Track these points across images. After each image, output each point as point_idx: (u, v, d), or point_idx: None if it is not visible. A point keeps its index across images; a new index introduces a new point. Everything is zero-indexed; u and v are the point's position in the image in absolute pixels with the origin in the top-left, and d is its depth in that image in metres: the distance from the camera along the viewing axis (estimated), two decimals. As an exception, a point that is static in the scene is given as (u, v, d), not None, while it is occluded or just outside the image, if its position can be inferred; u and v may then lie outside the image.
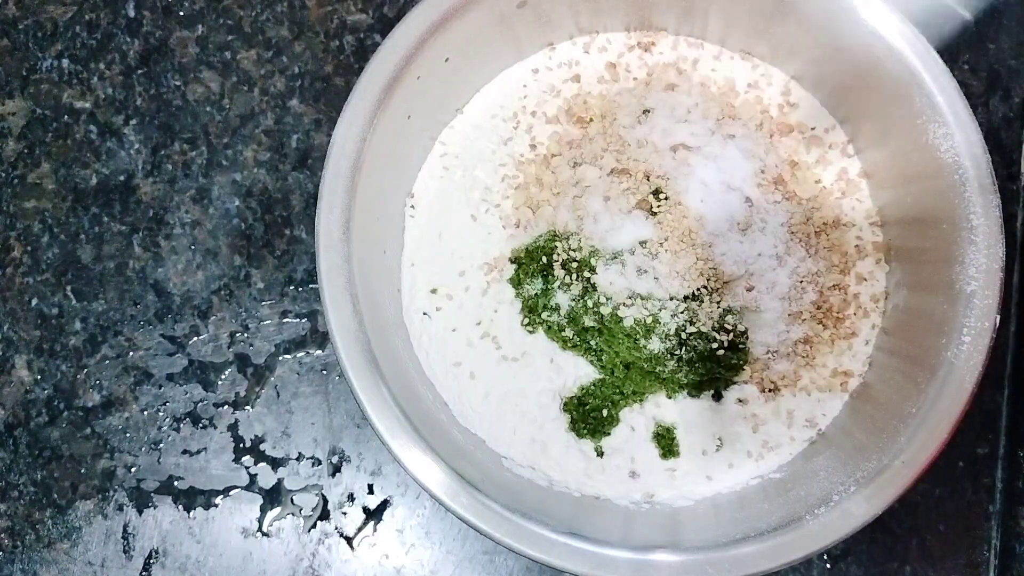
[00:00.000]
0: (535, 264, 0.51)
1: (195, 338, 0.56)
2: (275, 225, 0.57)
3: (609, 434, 0.50)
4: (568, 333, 0.50)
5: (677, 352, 0.49)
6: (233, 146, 0.57)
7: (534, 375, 0.50)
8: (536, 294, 0.51)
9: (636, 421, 0.50)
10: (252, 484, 0.55)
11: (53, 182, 0.58)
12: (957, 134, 0.45)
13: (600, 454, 0.50)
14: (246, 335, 0.56)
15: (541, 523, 0.43)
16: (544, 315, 0.51)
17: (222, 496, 0.55)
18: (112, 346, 0.56)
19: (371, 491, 0.55)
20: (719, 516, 0.47)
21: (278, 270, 0.56)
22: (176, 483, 0.55)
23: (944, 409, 0.44)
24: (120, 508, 0.55)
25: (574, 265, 0.51)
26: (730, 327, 0.50)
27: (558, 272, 0.50)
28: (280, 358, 0.56)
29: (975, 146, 0.45)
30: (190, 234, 0.57)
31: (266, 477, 0.55)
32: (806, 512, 0.44)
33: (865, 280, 0.51)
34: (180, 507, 0.55)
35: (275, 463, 0.55)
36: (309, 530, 0.54)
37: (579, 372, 0.50)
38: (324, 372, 0.56)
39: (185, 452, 0.55)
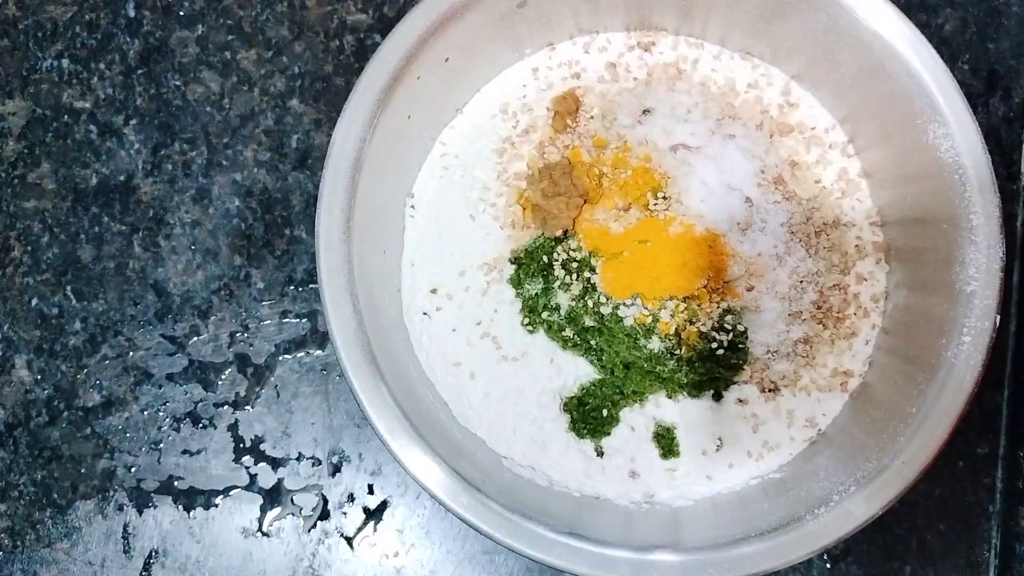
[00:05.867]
0: (535, 264, 0.51)
1: (195, 338, 0.56)
2: (275, 225, 0.57)
3: (609, 434, 0.50)
4: (568, 333, 0.50)
5: (677, 352, 0.50)
6: (233, 146, 0.57)
7: (534, 375, 0.50)
8: (536, 294, 0.51)
9: (636, 421, 0.50)
10: (252, 484, 0.55)
11: (53, 182, 0.58)
12: (957, 134, 0.45)
13: (600, 454, 0.50)
14: (246, 335, 0.56)
15: (541, 523, 0.43)
16: (544, 315, 0.51)
17: (222, 496, 0.55)
18: (112, 346, 0.56)
19: (371, 491, 0.55)
20: (719, 516, 0.47)
21: (278, 270, 0.56)
22: (176, 483, 0.55)
23: (944, 409, 0.44)
24: (120, 508, 0.55)
25: (574, 265, 0.51)
26: (730, 327, 0.50)
27: (558, 272, 0.51)
28: (280, 358, 0.56)
29: (975, 146, 0.45)
30: (190, 234, 0.57)
31: (266, 477, 0.55)
32: (806, 512, 0.44)
33: (865, 280, 0.51)
34: (180, 507, 0.55)
35: (275, 463, 0.55)
36: (309, 530, 0.54)
37: (579, 372, 0.50)
38: (324, 372, 0.56)
39: (185, 452, 0.55)
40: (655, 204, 0.50)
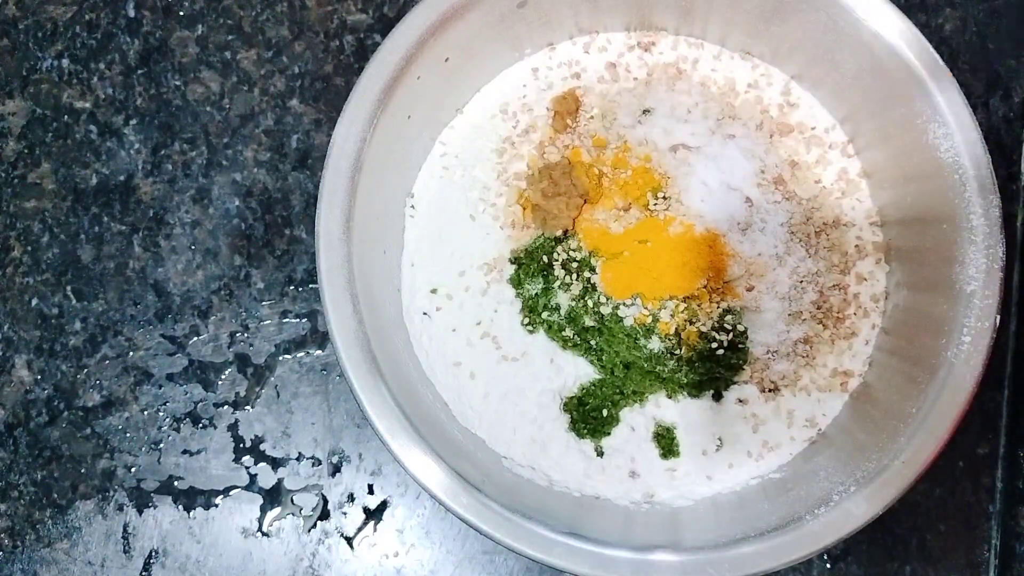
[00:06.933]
0: (535, 264, 0.51)
1: (195, 338, 0.56)
2: (275, 225, 0.57)
3: (609, 434, 0.50)
4: (568, 333, 0.50)
5: (677, 352, 0.50)
6: (233, 146, 0.57)
7: (534, 375, 0.50)
8: (536, 294, 0.51)
9: (636, 421, 0.50)
10: (252, 484, 0.55)
11: (53, 182, 0.58)
12: (957, 134, 0.45)
13: (600, 454, 0.50)
14: (246, 335, 0.56)
15: (541, 523, 0.43)
16: (544, 315, 0.51)
17: (222, 496, 0.55)
18: (112, 346, 0.56)
19: (371, 491, 0.55)
20: (719, 516, 0.47)
21: (278, 270, 0.56)
22: (176, 483, 0.55)
23: (944, 409, 0.44)
24: (120, 508, 0.55)
25: (574, 265, 0.51)
26: (730, 327, 0.50)
27: (558, 272, 0.51)
28: (280, 358, 0.56)
29: (975, 146, 0.45)
30: (190, 234, 0.57)
31: (266, 477, 0.55)
32: (806, 512, 0.44)
33: (865, 280, 0.51)
34: (180, 507, 0.55)
35: (275, 463, 0.55)
36: (309, 530, 0.54)
37: (579, 372, 0.50)
38: (324, 372, 0.56)
39: (185, 452, 0.55)
40: (655, 204, 0.50)
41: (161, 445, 0.55)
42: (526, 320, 0.51)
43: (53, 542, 0.55)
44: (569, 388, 0.50)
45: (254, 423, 0.55)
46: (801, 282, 0.50)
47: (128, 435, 0.55)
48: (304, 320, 0.56)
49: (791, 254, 0.50)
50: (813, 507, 0.44)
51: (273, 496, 0.55)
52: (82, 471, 0.55)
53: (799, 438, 0.50)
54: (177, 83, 0.58)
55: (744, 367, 0.50)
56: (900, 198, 0.50)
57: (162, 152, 0.58)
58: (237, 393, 0.56)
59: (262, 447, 0.55)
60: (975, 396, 0.43)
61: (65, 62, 0.59)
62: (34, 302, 0.57)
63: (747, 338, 0.50)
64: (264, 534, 0.55)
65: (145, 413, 0.56)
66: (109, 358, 0.56)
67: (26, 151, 0.58)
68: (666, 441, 0.50)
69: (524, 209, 0.52)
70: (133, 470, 0.55)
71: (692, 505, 0.49)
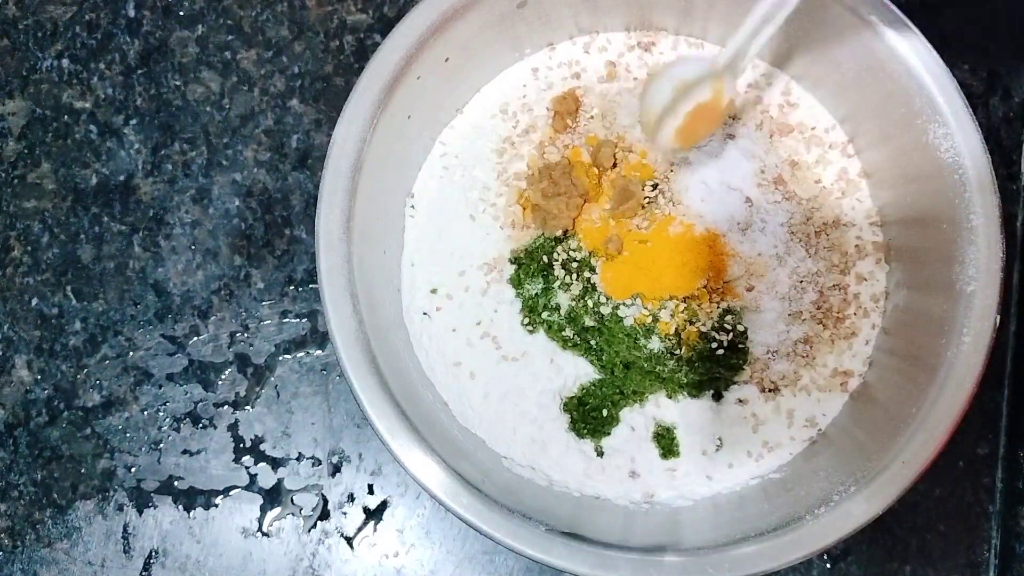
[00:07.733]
0: (535, 264, 0.51)
1: (195, 338, 0.56)
2: (275, 225, 0.57)
3: (609, 434, 0.50)
4: (568, 333, 0.50)
5: (677, 352, 0.50)
6: (233, 146, 0.57)
7: (534, 375, 0.50)
8: (536, 294, 0.51)
9: (636, 421, 0.50)
10: (252, 484, 0.55)
11: (53, 182, 0.58)
12: (957, 134, 0.45)
13: (600, 454, 0.50)
14: (246, 335, 0.56)
15: (541, 523, 0.43)
16: (544, 315, 0.51)
17: (222, 496, 0.55)
18: (112, 346, 0.56)
19: (371, 491, 0.55)
20: (719, 516, 0.47)
21: (278, 270, 0.56)
22: (176, 483, 0.55)
23: (944, 409, 0.44)
24: (120, 508, 0.55)
25: (574, 265, 0.51)
26: (730, 327, 0.50)
27: (558, 272, 0.51)
28: (280, 358, 0.56)
29: (975, 146, 0.45)
30: (190, 234, 0.57)
31: (266, 477, 0.55)
32: (806, 512, 0.44)
33: (865, 280, 0.51)
34: (180, 507, 0.55)
35: (275, 463, 0.55)
36: (309, 530, 0.54)
37: (579, 372, 0.50)
38: (324, 372, 0.56)
39: (185, 452, 0.55)
40: (653, 202, 0.51)
41: (161, 445, 0.55)
42: (526, 320, 0.51)
43: (53, 542, 0.55)
44: (569, 388, 0.50)
45: (254, 423, 0.55)
46: (801, 282, 0.50)
47: (128, 435, 0.56)
48: (304, 320, 0.56)
49: (791, 254, 0.50)
50: (813, 507, 0.44)
51: (273, 496, 0.55)
52: (82, 471, 0.55)
53: (799, 438, 0.50)
54: (177, 83, 0.58)
55: (744, 367, 0.50)
56: (900, 198, 0.50)
57: (162, 152, 0.58)
58: (237, 393, 0.56)
59: (262, 447, 0.55)
60: (975, 396, 0.43)
61: (65, 62, 0.59)
62: (34, 302, 0.57)
63: (747, 338, 0.50)
64: (264, 534, 0.55)
65: (145, 413, 0.56)
66: (109, 358, 0.56)
67: (26, 151, 0.58)
68: (666, 441, 0.50)
69: (524, 209, 0.52)
70: (133, 470, 0.55)
71: (692, 505, 0.49)
